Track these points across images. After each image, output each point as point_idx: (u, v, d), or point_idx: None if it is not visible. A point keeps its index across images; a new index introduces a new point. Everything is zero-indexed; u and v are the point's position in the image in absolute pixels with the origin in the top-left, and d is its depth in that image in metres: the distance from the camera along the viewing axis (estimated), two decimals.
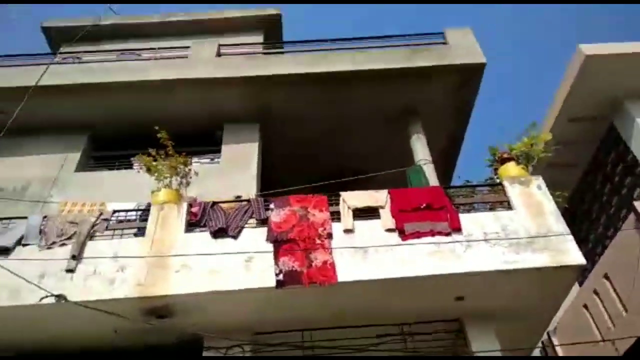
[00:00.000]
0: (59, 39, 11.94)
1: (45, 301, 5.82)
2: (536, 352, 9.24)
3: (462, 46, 9.61)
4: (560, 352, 8.97)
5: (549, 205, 6.44)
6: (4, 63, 9.94)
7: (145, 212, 7.19)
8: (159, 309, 6.12)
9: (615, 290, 7.41)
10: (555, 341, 9.29)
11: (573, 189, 11.05)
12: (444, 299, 6.36)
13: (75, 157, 9.21)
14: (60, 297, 5.85)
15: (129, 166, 9.79)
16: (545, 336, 9.58)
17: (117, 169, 9.42)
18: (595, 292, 7.84)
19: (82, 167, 9.23)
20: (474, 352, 6.38)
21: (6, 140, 8.23)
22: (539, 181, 6.76)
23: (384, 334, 6.55)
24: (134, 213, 7.31)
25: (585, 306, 8.19)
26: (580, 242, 6.37)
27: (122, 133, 9.59)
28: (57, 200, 8.29)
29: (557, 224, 6.21)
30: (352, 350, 6.10)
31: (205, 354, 6.39)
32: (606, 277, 7.46)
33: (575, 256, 5.90)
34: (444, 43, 9.79)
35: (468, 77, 9.39)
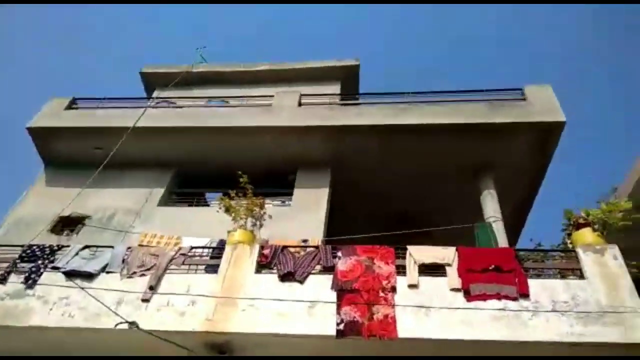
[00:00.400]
0: (153, 84, 13.09)
1: (119, 327, 6.29)
2: None
3: (541, 103, 9.53)
4: None
5: (624, 277, 6.15)
6: (104, 105, 11.03)
7: (218, 250, 7.65)
8: (220, 345, 6.39)
9: None
10: None
11: None
12: None
13: (160, 192, 9.94)
14: (133, 324, 6.30)
15: (206, 204, 10.44)
16: None
17: (196, 205, 10.05)
18: None
19: (165, 202, 9.93)
20: None
21: (100, 173, 9.18)
22: (614, 250, 6.48)
23: None
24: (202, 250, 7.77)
25: None
26: None
27: (203, 173, 10.32)
28: (139, 231, 8.96)
29: (631, 298, 5.91)
30: None
31: None
32: None
33: None
34: (523, 99, 9.75)
35: (546, 135, 9.27)
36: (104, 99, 11.18)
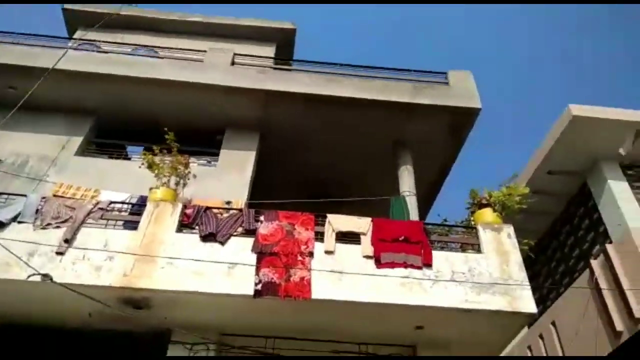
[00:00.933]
0: (76, 23, 12.28)
1: (32, 279, 6.16)
2: None
3: (461, 88, 10.13)
4: None
5: (515, 254, 6.93)
6: (20, 40, 10.23)
7: (138, 206, 7.59)
8: (137, 300, 6.48)
9: (559, 337, 7.82)
10: None
11: (541, 234, 11.57)
12: (404, 326, 6.80)
13: (77, 140, 9.53)
14: (46, 276, 6.19)
15: (127, 157, 10.16)
16: None
17: (116, 158, 9.76)
18: (541, 336, 8.25)
19: (82, 151, 9.55)
20: None
21: (13, 115, 8.60)
22: (510, 229, 7.25)
23: (342, 350, 6.96)
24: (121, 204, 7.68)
25: (530, 347, 8.62)
26: (536, 287, 6.84)
27: (125, 124, 9.99)
28: (54, 181, 8.60)
29: (519, 272, 6.70)
30: None
31: (171, 347, 6.73)
32: (553, 324, 7.86)
33: (529, 304, 6.40)
34: (445, 83, 10.29)
35: (462, 119, 9.91)
36: (21, 34, 10.36)
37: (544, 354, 7.87)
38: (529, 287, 6.52)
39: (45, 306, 6.65)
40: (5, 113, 8.61)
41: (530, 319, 6.57)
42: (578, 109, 9.57)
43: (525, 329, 9.54)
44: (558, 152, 9.96)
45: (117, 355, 6.75)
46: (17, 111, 8.70)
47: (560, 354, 7.42)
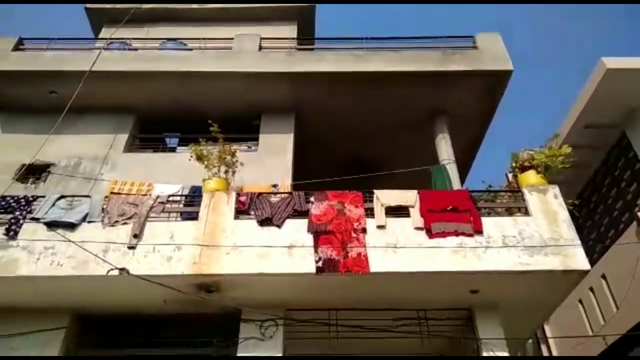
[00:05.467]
0: (99, 21, 12.59)
1: (110, 273, 6.62)
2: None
3: (491, 51, 10.12)
4: (552, 344, 9.63)
5: (563, 214, 7.12)
6: (53, 45, 10.54)
7: (191, 197, 7.99)
8: (208, 285, 6.92)
9: (610, 289, 8.00)
10: (548, 332, 9.91)
11: (581, 189, 11.68)
12: (459, 291, 7.09)
13: (123, 137, 9.91)
14: (124, 270, 6.65)
15: (171, 149, 10.53)
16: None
17: (161, 151, 10.13)
18: (591, 289, 8.44)
19: (129, 147, 9.93)
20: (480, 338, 7.14)
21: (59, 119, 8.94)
22: (555, 190, 7.42)
23: (402, 318, 7.30)
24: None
25: (580, 301, 8.83)
26: (584, 244, 7.01)
27: (165, 117, 10.33)
28: (107, 179, 9.03)
29: (568, 231, 6.91)
30: (373, 330, 6.84)
31: (242, 325, 7.20)
32: (603, 276, 8.04)
33: (582, 262, 6.63)
34: (474, 47, 10.29)
35: (495, 82, 9.93)
36: (52, 39, 10.66)
37: (596, 307, 8.09)
38: (580, 245, 6.72)
39: (122, 297, 7.13)
40: (50, 117, 8.95)
41: (583, 276, 6.79)
42: (611, 62, 9.57)
43: None
44: (594, 106, 10.02)
45: (193, 336, 7.22)
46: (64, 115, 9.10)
47: (614, 307, 7.63)
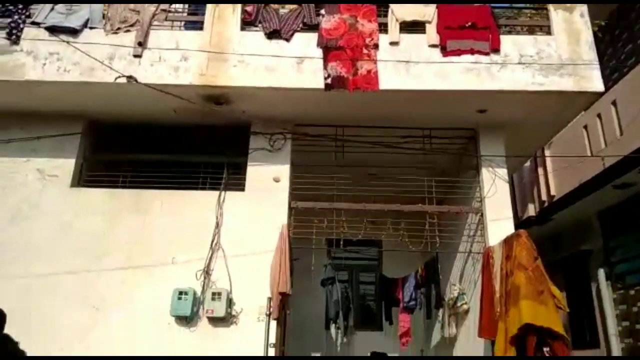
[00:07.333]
0: None
1: (118, 81, 6.60)
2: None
3: None
4: (549, 163, 9.78)
5: (586, 33, 6.75)
6: None
7: (195, 6, 7.59)
8: (216, 97, 6.94)
9: (618, 116, 7.89)
10: (547, 153, 10.04)
11: (607, 15, 10.87)
12: (467, 110, 7.07)
13: None
14: (131, 78, 6.62)
15: None
16: None
17: None
18: (599, 116, 8.32)
19: None
20: (481, 155, 7.37)
21: None
22: (582, 8, 6.92)
23: (407, 135, 7.43)
24: (182, 5, 7.66)
25: (585, 127, 8.79)
26: (602, 67, 6.77)
27: None
28: None
29: (589, 52, 6.62)
30: (378, 145, 7.03)
31: (252, 137, 7.43)
32: (614, 103, 7.85)
33: (596, 83, 6.49)
34: None
35: None
36: None
37: (600, 132, 8.11)
38: (598, 66, 6.51)
39: (133, 106, 7.19)
40: None
41: (596, 98, 6.72)
42: None
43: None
44: None
45: (204, 145, 7.48)
46: None
47: (617, 131, 7.63)
